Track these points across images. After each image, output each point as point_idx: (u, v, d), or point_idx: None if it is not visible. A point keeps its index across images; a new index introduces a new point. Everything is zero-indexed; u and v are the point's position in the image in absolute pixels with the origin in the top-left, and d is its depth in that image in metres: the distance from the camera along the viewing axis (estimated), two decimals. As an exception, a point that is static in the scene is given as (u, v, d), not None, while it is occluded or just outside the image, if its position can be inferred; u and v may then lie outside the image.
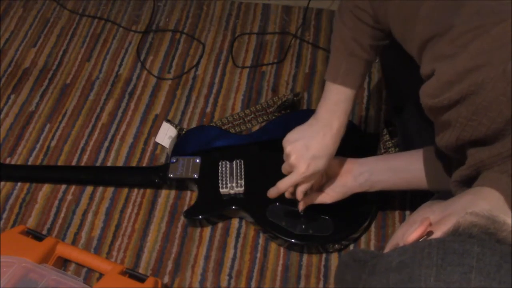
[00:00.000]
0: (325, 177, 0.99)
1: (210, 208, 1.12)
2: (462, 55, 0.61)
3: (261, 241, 1.12)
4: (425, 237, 0.57)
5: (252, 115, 1.28)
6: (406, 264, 0.52)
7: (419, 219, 0.60)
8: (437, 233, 0.56)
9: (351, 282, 0.60)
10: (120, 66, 1.44)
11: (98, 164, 1.25)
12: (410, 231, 0.58)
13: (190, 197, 1.19)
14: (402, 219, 1.13)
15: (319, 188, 0.99)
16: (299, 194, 0.95)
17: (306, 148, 0.88)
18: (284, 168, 0.94)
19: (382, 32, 0.83)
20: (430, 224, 0.58)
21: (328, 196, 0.98)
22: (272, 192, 0.96)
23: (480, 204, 0.57)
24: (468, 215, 0.55)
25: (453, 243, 0.52)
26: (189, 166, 1.15)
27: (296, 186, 0.96)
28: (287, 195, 1.02)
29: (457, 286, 0.49)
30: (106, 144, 1.29)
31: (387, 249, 0.62)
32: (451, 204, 0.60)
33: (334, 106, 0.88)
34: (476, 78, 0.59)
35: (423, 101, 0.68)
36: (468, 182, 0.66)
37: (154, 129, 1.30)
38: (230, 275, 1.08)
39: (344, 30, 0.86)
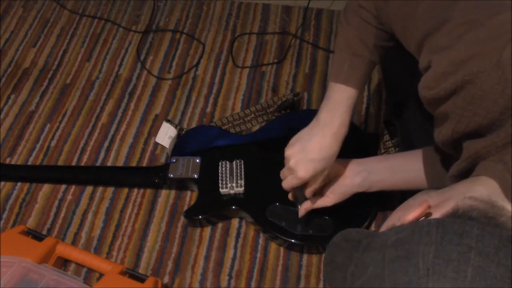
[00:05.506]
0: (326, 179, 0.99)
1: (210, 208, 1.12)
2: (457, 46, 0.62)
3: (261, 241, 1.12)
4: (423, 218, 0.57)
5: (252, 115, 1.28)
6: (404, 241, 0.52)
7: (416, 203, 0.60)
8: (436, 215, 0.56)
9: (341, 263, 0.59)
10: (120, 66, 1.44)
11: (98, 164, 1.25)
12: (408, 212, 0.58)
13: (190, 197, 1.19)
14: (402, 219, 1.13)
15: (319, 191, 0.99)
16: (309, 193, 0.94)
17: (304, 151, 0.88)
18: (283, 172, 0.94)
19: (386, 33, 0.84)
20: (429, 207, 0.58)
21: (328, 199, 0.98)
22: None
23: (478, 189, 0.57)
24: (467, 199, 0.56)
25: (452, 223, 0.52)
26: (189, 166, 1.15)
27: (298, 189, 0.96)
28: (290, 197, 1.02)
29: (456, 264, 0.49)
30: (106, 144, 1.29)
31: (382, 229, 0.61)
32: (449, 190, 0.60)
33: (336, 105, 0.87)
34: (471, 68, 0.60)
35: (421, 94, 0.69)
36: (464, 176, 0.66)
37: (154, 129, 1.30)
38: (230, 275, 1.08)
39: (348, 30, 0.86)
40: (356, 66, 0.86)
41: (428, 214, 0.57)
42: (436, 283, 0.48)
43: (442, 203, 0.57)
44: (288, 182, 0.92)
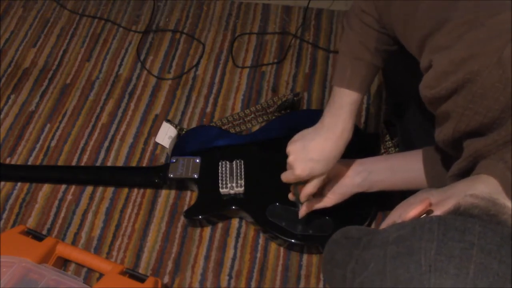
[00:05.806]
0: (325, 180, 0.99)
1: (210, 208, 1.12)
2: (457, 46, 0.62)
3: (261, 241, 1.12)
4: (424, 215, 0.57)
5: (252, 115, 1.28)
6: (406, 238, 0.52)
7: (417, 200, 0.60)
8: (437, 213, 0.56)
9: (341, 261, 0.59)
10: (120, 66, 1.44)
11: (98, 164, 1.25)
12: (409, 209, 0.58)
13: (190, 197, 1.19)
14: (402, 219, 1.13)
15: (319, 192, 0.99)
16: (303, 197, 0.95)
17: (304, 150, 0.88)
18: (287, 167, 0.95)
19: (388, 36, 0.84)
20: (430, 204, 0.58)
21: (328, 199, 0.98)
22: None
23: (480, 187, 0.58)
24: (469, 197, 0.56)
25: (454, 220, 0.52)
26: (189, 166, 1.15)
27: (297, 187, 0.96)
28: (290, 197, 1.02)
29: (458, 261, 0.48)
30: (106, 144, 1.29)
31: (382, 226, 0.61)
32: (450, 188, 0.60)
33: (339, 110, 0.87)
34: (471, 66, 0.60)
35: (422, 93, 0.69)
36: (465, 175, 0.66)
37: (154, 129, 1.30)
38: (230, 275, 1.08)
39: (350, 34, 0.86)
40: (358, 69, 0.86)
41: (429, 212, 0.57)
42: (438, 280, 0.48)
43: (443, 201, 0.57)
44: (286, 175, 0.93)
